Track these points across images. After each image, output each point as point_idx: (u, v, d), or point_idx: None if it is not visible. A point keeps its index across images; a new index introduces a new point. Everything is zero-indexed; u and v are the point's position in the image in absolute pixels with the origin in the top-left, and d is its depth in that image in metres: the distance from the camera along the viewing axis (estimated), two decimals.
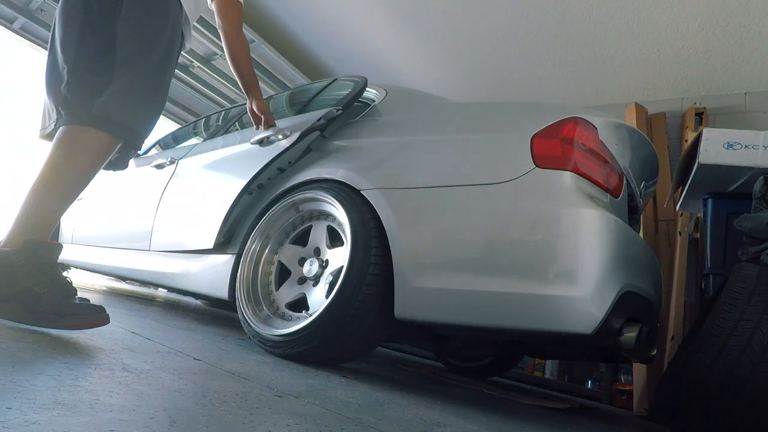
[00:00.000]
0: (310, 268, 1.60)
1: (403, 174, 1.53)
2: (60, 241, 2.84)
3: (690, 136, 3.18)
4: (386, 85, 2.05)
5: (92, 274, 3.40)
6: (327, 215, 1.68)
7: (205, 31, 3.99)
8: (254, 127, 1.99)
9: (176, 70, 4.80)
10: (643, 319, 1.43)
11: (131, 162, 1.60)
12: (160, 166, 2.49)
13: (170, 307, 2.71)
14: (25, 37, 3.92)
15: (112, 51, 1.19)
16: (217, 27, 1.74)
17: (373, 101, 1.97)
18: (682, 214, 3.03)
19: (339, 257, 1.56)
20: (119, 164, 1.37)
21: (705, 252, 2.04)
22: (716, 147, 1.96)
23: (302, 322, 1.45)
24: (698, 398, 1.31)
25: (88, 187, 1.23)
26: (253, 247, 1.73)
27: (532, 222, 1.29)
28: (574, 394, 3.16)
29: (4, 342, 0.90)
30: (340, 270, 1.48)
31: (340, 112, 1.81)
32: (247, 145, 2.04)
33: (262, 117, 1.91)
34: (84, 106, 1.17)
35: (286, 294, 1.65)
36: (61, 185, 1.16)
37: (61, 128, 1.18)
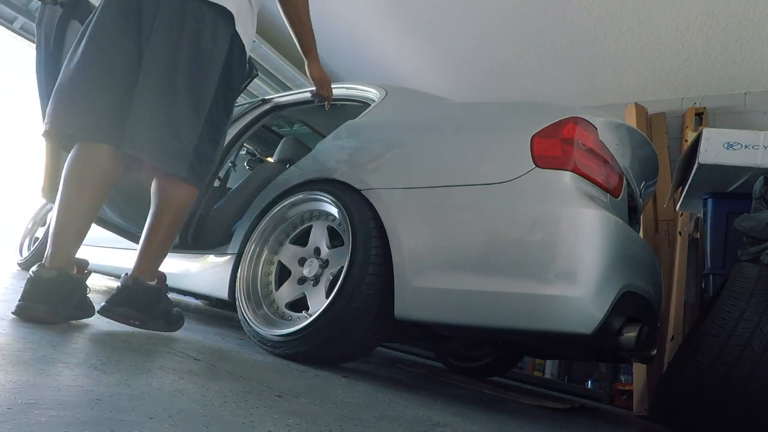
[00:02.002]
0: (310, 268, 1.60)
1: (403, 174, 1.53)
2: None
3: (690, 136, 3.18)
4: (386, 85, 2.05)
5: (92, 274, 3.40)
6: (327, 215, 1.68)
7: None
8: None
9: None
10: (643, 319, 1.43)
11: None
12: None
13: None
14: (25, 37, 3.92)
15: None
16: None
17: (373, 101, 1.97)
18: (682, 214, 3.03)
19: (339, 257, 1.56)
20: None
21: (705, 252, 2.04)
22: (716, 147, 1.96)
23: (302, 322, 1.45)
24: (698, 398, 1.31)
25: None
26: (253, 247, 1.73)
27: (532, 222, 1.29)
28: (574, 394, 3.16)
29: (4, 343, 0.90)
30: (340, 270, 1.48)
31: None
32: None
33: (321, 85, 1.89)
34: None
35: (286, 294, 1.65)
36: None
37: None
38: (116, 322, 1.34)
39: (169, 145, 1.27)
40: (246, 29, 1.43)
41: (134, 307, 1.33)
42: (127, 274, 1.38)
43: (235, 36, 1.38)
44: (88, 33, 1.30)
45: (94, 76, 1.26)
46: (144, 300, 1.35)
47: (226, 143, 2.03)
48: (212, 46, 1.32)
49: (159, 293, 1.40)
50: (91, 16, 1.34)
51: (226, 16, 1.35)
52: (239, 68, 1.44)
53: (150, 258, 1.40)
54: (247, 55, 1.48)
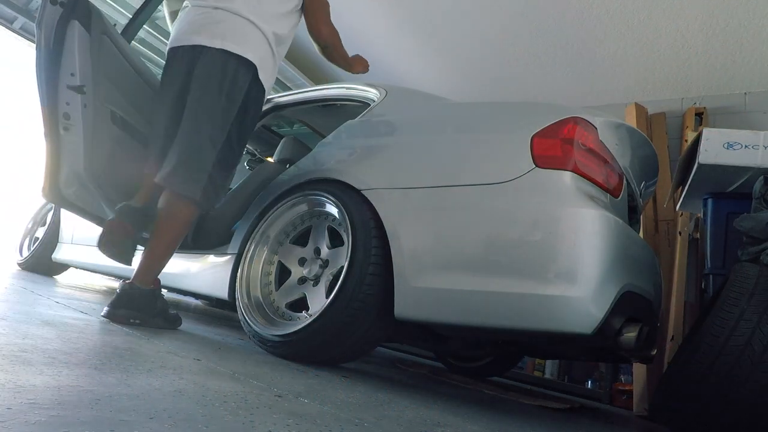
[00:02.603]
0: (310, 268, 1.60)
1: (403, 174, 1.53)
2: (60, 241, 2.84)
3: (690, 136, 3.18)
4: (386, 85, 2.05)
5: (92, 274, 3.40)
6: (327, 215, 1.68)
7: None
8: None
9: None
10: (643, 319, 1.43)
11: None
12: None
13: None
14: (25, 37, 3.92)
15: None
16: (309, 27, 1.84)
17: (373, 101, 1.97)
18: (682, 214, 3.03)
19: (339, 257, 1.56)
20: None
21: (705, 252, 2.04)
22: (716, 147, 1.96)
23: (302, 322, 1.45)
24: (698, 398, 1.31)
25: None
26: (253, 247, 1.73)
27: (532, 222, 1.29)
28: (574, 394, 3.16)
29: (4, 343, 0.90)
30: (340, 270, 1.48)
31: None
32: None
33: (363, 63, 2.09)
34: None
35: (286, 294, 1.65)
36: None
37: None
38: (118, 324, 1.44)
39: (187, 174, 1.53)
40: (267, 76, 1.65)
41: (133, 308, 1.50)
42: (125, 280, 1.55)
43: (255, 82, 1.61)
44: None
45: (160, 134, 1.65)
46: (141, 301, 1.52)
47: None
48: (231, 92, 1.56)
49: (154, 294, 1.57)
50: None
51: (248, 65, 1.58)
52: (255, 109, 1.65)
53: (149, 267, 1.57)
54: (265, 98, 1.68)
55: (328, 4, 1.88)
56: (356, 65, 2.04)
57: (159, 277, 1.62)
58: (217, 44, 1.55)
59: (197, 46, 1.57)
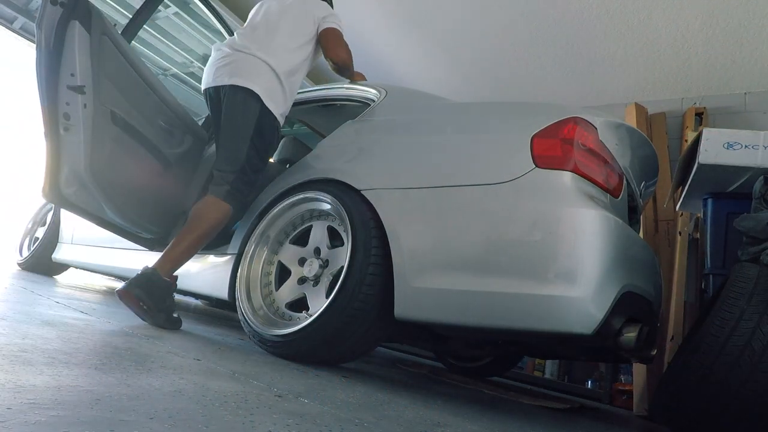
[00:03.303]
0: (310, 268, 1.60)
1: (403, 174, 1.53)
2: (60, 241, 2.84)
3: (690, 136, 3.18)
4: (386, 86, 2.05)
5: (92, 274, 3.40)
6: (327, 215, 1.68)
7: (205, 31, 3.99)
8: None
9: (176, 70, 4.80)
10: (643, 320, 1.43)
11: None
12: None
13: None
14: (25, 37, 3.92)
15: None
16: (326, 53, 2.09)
17: (373, 101, 1.97)
18: (682, 214, 3.03)
19: (339, 257, 1.56)
20: None
21: (705, 252, 2.04)
22: (716, 147, 1.96)
23: (302, 322, 1.45)
24: (698, 398, 1.31)
25: None
26: (253, 247, 1.73)
27: (532, 222, 1.29)
28: (574, 394, 3.16)
29: (4, 343, 0.90)
30: (340, 270, 1.48)
31: None
32: None
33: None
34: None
35: (286, 294, 1.65)
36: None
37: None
38: (127, 304, 1.54)
39: (215, 182, 1.81)
40: (277, 104, 1.88)
41: (147, 293, 1.56)
42: (148, 265, 1.62)
43: (264, 109, 1.84)
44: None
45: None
46: (157, 291, 1.58)
47: None
48: (245, 118, 1.82)
49: (169, 290, 1.64)
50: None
51: (254, 95, 1.82)
52: (270, 133, 1.89)
53: (173, 258, 1.68)
54: (280, 122, 1.93)
55: (341, 32, 2.08)
56: (357, 78, 2.25)
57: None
58: (229, 81, 1.84)
59: (218, 87, 1.89)
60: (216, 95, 1.90)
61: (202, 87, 1.97)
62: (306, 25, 2.02)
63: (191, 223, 1.72)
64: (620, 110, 3.77)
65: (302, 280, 1.64)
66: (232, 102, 1.83)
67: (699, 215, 2.83)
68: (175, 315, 1.64)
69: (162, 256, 1.67)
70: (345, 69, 2.12)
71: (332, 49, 2.05)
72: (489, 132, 1.54)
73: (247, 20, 2.08)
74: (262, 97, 1.83)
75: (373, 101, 1.96)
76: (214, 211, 1.75)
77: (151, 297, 1.56)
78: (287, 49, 1.95)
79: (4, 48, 4.12)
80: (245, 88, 1.82)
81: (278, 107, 1.90)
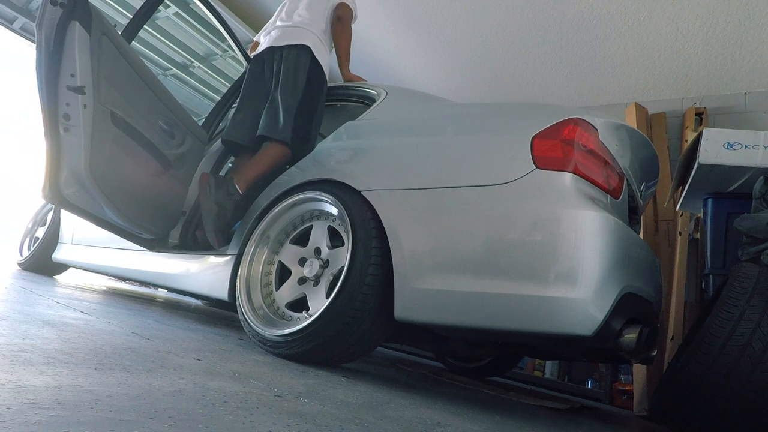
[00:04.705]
0: (311, 268, 1.60)
1: (403, 175, 1.53)
2: (60, 241, 2.85)
3: (690, 136, 3.18)
4: (386, 86, 2.05)
5: (92, 274, 3.40)
6: (327, 215, 1.68)
7: (205, 31, 3.99)
8: None
9: (176, 70, 4.79)
10: (643, 321, 1.43)
11: None
12: None
13: (170, 307, 2.71)
14: (25, 37, 3.93)
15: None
16: (333, 24, 2.41)
17: (373, 102, 1.97)
18: (682, 214, 3.03)
19: (339, 257, 1.56)
20: None
21: (705, 252, 2.04)
22: (716, 147, 1.96)
23: (302, 322, 1.45)
24: (698, 398, 1.31)
25: None
26: (253, 247, 1.73)
27: (533, 223, 1.29)
28: (574, 394, 3.16)
29: (4, 343, 0.90)
30: (340, 270, 1.48)
31: None
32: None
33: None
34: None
35: (287, 294, 1.65)
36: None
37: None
38: (205, 197, 1.82)
39: (270, 128, 2.07)
40: (322, 56, 2.24)
41: (222, 194, 1.85)
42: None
43: (314, 61, 2.20)
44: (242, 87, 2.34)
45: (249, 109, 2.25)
46: (228, 200, 1.86)
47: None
48: (296, 72, 2.15)
49: (235, 200, 1.90)
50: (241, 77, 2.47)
51: (306, 49, 2.19)
52: (318, 82, 2.21)
53: (247, 171, 2.00)
54: (325, 73, 2.24)
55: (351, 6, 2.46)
56: (353, 79, 2.42)
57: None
58: (283, 43, 2.21)
59: (277, 47, 2.24)
60: (271, 55, 2.23)
61: (263, 47, 2.29)
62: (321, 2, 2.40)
63: (258, 157, 2.03)
64: (620, 110, 3.77)
65: (302, 280, 1.64)
66: (288, 57, 2.17)
67: (699, 215, 2.83)
68: (232, 231, 1.87)
69: (241, 167, 2.08)
70: (341, 22, 2.39)
71: (339, 7, 2.42)
72: (489, 133, 1.53)
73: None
74: (313, 50, 2.19)
75: (374, 101, 1.96)
76: (274, 149, 2.04)
77: (217, 202, 1.82)
78: (317, 17, 2.34)
79: (4, 48, 4.13)
80: (299, 44, 2.19)
81: (324, 60, 2.26)
